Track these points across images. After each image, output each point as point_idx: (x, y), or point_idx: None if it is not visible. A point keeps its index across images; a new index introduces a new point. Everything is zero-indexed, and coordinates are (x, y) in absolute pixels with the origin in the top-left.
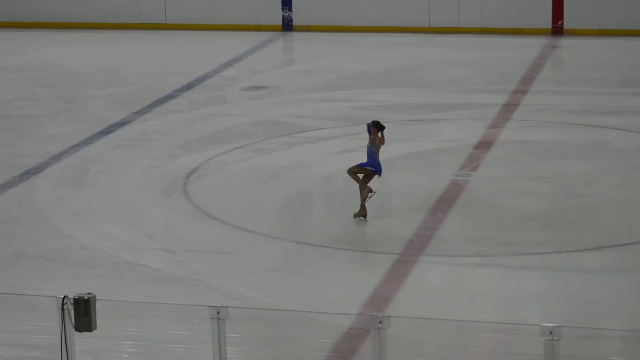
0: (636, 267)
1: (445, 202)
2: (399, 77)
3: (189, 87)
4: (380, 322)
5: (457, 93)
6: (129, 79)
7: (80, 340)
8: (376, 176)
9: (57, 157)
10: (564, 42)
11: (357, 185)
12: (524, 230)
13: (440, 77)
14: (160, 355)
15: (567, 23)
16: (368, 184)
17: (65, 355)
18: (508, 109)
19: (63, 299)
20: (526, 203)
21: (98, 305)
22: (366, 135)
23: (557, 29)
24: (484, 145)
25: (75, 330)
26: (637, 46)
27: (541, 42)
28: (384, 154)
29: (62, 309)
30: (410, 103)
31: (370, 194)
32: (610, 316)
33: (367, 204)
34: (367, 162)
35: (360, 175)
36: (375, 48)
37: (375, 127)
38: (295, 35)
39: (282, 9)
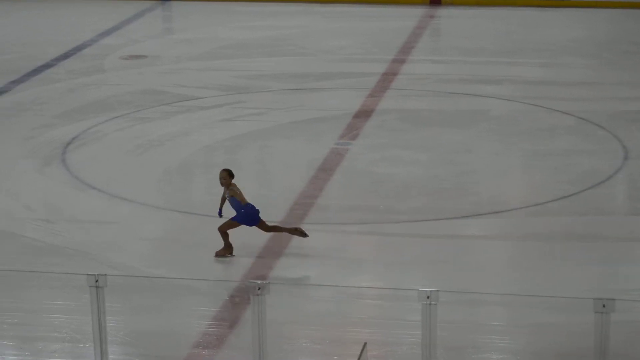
0: (513, 233)
1: (325, 171)
2: (279, 46)
3: (66, 56)
4: (259, 289)
5: (337, 62)
6: (5, 48)
7: None
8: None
9: None
10: (442, 12)
11: (237, 154)
12: (403, 197)
13: (319, 46)
14: (39, 326)
15: None
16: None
17: None
18: (387, 78)
19: None
20: (405, 171)
21: None
22: (245, 105)
23: None
24: (364, 114)
25: None
26: (513, 16)
27: (419, 11)
28: (264, 123)
29: None
30: (291, 72)
31: (228, 255)
32: (487, 281)
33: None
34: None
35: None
36: (255, 17)
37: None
38: (174, 4)
39: None
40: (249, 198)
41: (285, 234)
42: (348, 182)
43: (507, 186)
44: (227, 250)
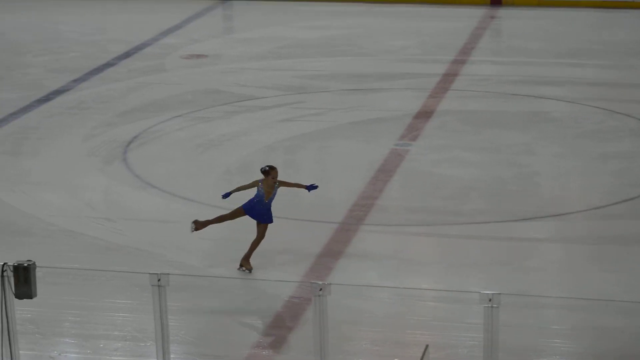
0: (574, 236)
1: (385, 172)
2: (339, 46)
3: (128, 55)
4: (321, 290)
5: (397, 63)
6: (67, 47)
7: (21, 309)
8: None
9: None
10: (503, 12)
11: (296, 154)
12: (464, 199)
13: (380, 46)
14: (101, 324)
15: None
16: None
17: (6, 324)
18: (447, 79)
19: (2, 266)
20: (465, 173)
21: (38, 273)
22: (305, 105)
23: (496, 0)
24: (424, 115)
25: (16, 297)
26: (575, 17)
27: (480, 12)
28: (324, 123)
29: (2, 276)
30: (351, 72)
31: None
32: (548, 284)
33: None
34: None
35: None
36: (315, 17)
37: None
38: (235, 3)
39: None
40: (309, 198)
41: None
42: (408, 184)
43: (569, 189)
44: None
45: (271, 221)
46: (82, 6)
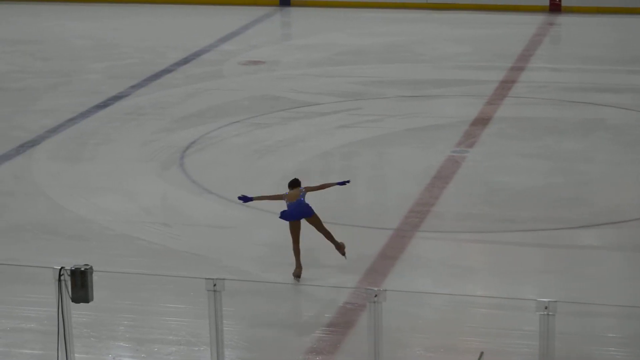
0: (631, 244)
1: (441, 178)
2: (397, 53)
3: (186, 61)
4: (376, 296)
5: (455, 69)
6: (126, 53)
7: (77, 313)
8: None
9: (54, 130)
10: (562, 19)
11: (353, 160)
12: (520, 206)
13: (437, 53)
14: (155, 328)
15: (565, 0)
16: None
17: (62, 327)
18: (505, 86)
19: (60, 270)
20: (522, 180)
21: (95, 277)
22: (362, 111)
23: (555, 6)
24: (481, 121)
25: (72, 301)
26: (634, 24)
27: (539, 19)
28: (381, 130)
29: (59, 280)
30: (408, 79)
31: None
32: (604, 292)
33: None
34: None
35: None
36: (373, 24)
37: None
38: (292, 10)
39: None
40: (364, 204)
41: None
42: (464, 190)
43: (625, 196)
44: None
45: (312, 212)
46: (141, 13)
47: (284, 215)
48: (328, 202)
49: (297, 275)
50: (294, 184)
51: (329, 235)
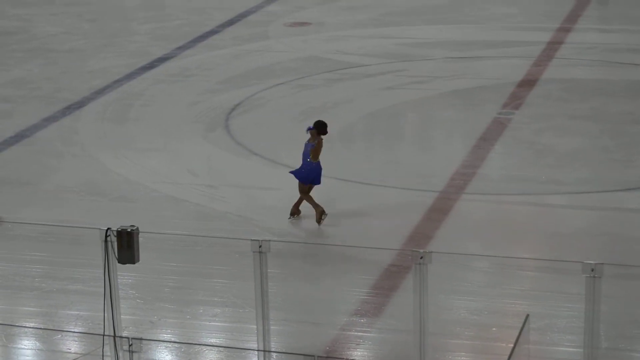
0: None
1: (487, 140)
2: (444, 13)
3: (232, 22)
4: (421, 258)
5: (501, 30)
6: (172, 14)
7: (123, 274)
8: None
9: (101, 92)
10: None
11: (398, 122)
12: (567, 168)
13: (484, 14)
14: (200, 290)
15: None
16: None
17: (108, 288)
18: (552, 47)
19: (106, 231)
20: (569, 142)
21: (141, 239)
22: (408, 72)
23: None
24: (528, 83)
25: (119, 262)
26: None
27: None
28: (426, 91)
29: (106, 241)
30: (455, 40)
31: (323, 217)
32: None
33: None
34: (300, 171)
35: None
36: None
37: (316, 130)
38: None
39: None
40: (409, 166)
41: None
42: (510, 152)
43: None
44: (320, 213)
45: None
46: None
47: (299, 174)
48: (374, 163)
49: (323, 212)
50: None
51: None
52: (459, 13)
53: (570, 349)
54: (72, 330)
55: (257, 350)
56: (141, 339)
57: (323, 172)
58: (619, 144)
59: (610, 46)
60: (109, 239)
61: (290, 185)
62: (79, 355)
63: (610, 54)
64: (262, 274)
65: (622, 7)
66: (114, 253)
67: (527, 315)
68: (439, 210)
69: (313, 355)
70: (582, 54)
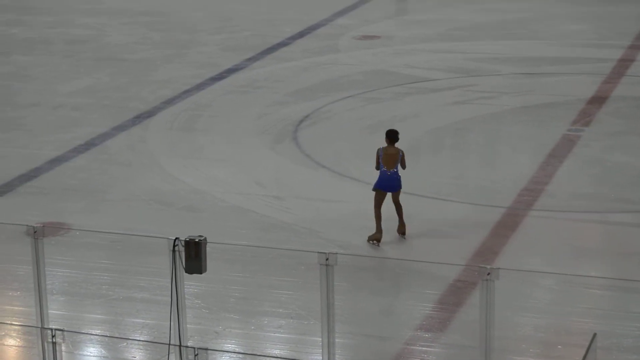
0: None
1: (556, 157)
2: (513, 29)
3: (301, 35)
4: (489, 274)
5: (572, 47)
6: (241, 25)
7: (189, 284)
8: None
9: (170, 102)
10: None
11: (466, 137)
12: (636, 187)
13: (554, 30)
14: (266, 301)
15: None
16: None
17: (175, 298)
18: (623, 64)
19: (174, 240)
20: (638, 160)
21: (208, 249)
22: (476, 88)
23: None
24: (598, 100)
25: (186, 272)
26: None
27: None
28: (495, 107)
29: (174, 250)
30: (524, 56)
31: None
32: None
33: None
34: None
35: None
36: (490, 0)
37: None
38: None
39: None
40: (477, 181)
41: None
42: (579, 169)
43: None
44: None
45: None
46: None
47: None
48: (442, 178)
49: (377, 239)
50: (392, 136)
51: (401, 210)
52: (528, 29)
53: None
54: (138, 338)
55: None
56: (206, 349)
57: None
58: None
59: None
60: (176, 248)
61: (357, 198)
62: None
63: None
64: (328, 286)
65: None
66: (182, 263)
67: (595, 334)
68: (506, 227)
69: None
70: None
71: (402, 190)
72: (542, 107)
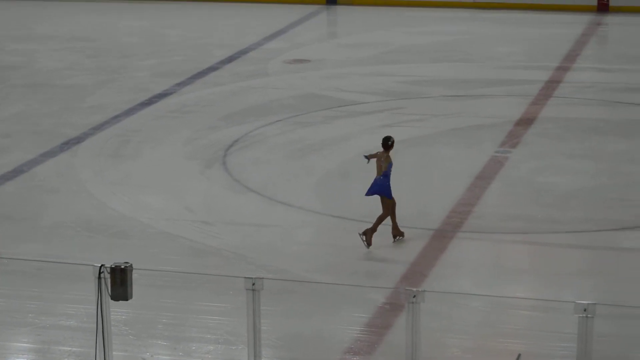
0: None
1: (484, 179)
2: (443, 52)
3: (231, 59)
4: (414, 297)
5: (501, 69)
6: (173, 50)
7: (116, 310)
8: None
9: (99, 128)
10: (610, 19)
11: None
12: (564, 208)
13: (484, 52)
14: (194, 327)
15: (613, 0)
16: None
17: (101, 325)
18: (550, 86)
19: (100, 267)
20: (566, 181)
21: (135, 275)
22: (406, 110)
23: (603, 6)
24: (525, 122)
25: (112, 299)
26: None
27: (586, 19)
28: (424, 129)
29: (99, 277)
30: (453, 78)
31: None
32: None
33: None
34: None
35: None
36: (420, 23)
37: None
38: (339, 8)
39: None
40: (406, 203)
41: None
42: (507, 191)
43: None
44: (398, 232)
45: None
46: (189, 10)
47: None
48: (372, 201)
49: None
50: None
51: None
52: (459, 51)
53: None
54: None
55: None
56: None
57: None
58: (615, 183)
59: (608, 85)
60: (102, 275)
61: (286, 223)
62: None
63: (608, 93)
64: (255, 311)
65: (620, 47)
66: (107, 290)
67: (519, 355)
68: (435, 249)
69: None
70: (579, 93)
71: (332, 214)
72: (471, 129)
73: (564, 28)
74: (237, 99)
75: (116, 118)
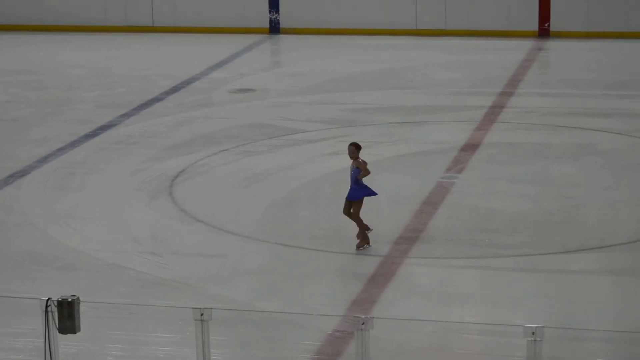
0: (620, 268)
1: (430, 204)
2: (387, 79)
3: (176, 89)
4: (363, 324)
5: (444, 95)
6: (117, 82)
7: (65, 343)
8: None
9: (44, 160)
10: (551, 44)
11: (342, 188)
12: (510, 232)
13: (427, 79)
14: (144, 358)
15: (554, 25)
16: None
17: (49, 358)
18: (494, 112)
19: (47, 301)
20: (512, 205)
21: (82, 308)
22: (351, 138)
23: (544, 31)
24: (470, 147)
25: (59, 332)
26: (623, 48)
27: (528, 44)
28: (370, 157)
29: (46, 311)
30: (398, 105)
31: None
32: (593, 317)
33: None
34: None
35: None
36: (363, 50)
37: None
38: (282, 37)
39: (270, 12)
40: (354, 230)
41: None
42: (453, 216)
43: (615, 221)
44: (364, 240)
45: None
46: (133, 41)
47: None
48: (318, 229)
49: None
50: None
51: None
52: (401, 79)
53: None
54: None
55: None
56: None
57: None
58: (559, 207)
59: (551, 110)
60: (49, 309)
61: (234, 252)
62: None
63: (551, 117)
64: (204, 341)
65: (562, 72)
66: (55, 323)
67: None
68: (383, 275)
69: None
70: (523, 118)
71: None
72: (416, 155)
73: (506, 54)
74: (182, 129)
75: (61, 150)
